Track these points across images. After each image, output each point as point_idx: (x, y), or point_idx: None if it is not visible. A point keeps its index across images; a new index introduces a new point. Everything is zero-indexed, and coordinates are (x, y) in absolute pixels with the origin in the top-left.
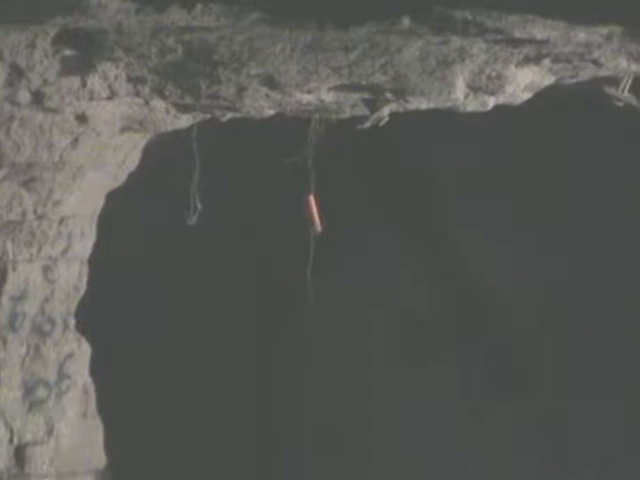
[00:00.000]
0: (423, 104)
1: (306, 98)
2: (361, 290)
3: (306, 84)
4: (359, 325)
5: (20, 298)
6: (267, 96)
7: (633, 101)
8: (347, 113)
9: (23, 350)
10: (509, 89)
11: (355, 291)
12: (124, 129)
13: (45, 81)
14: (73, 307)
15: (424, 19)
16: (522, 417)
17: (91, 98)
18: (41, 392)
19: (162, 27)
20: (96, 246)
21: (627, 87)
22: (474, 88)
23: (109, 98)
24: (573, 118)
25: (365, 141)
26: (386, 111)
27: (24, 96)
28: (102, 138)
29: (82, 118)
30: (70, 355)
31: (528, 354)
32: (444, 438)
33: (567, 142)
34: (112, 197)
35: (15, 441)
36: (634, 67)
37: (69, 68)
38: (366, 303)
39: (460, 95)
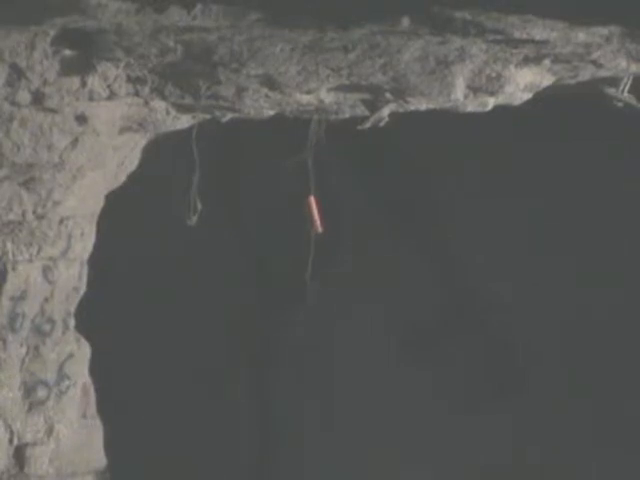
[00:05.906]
0: (423, 104)
1: (306, 98)
2: (361, 291)
3: (306, 84)
4: (359, 326)
5: (20, 298)
6: (267, 96)
7: (633, 101)
8: (347, 113)
9: (23, 350)
10: (509, 89)
11: (355, 291)
12: (124, 129)
13: (45, 81)
14: (73, 307)
15: (424, 19)
16: (522, 416)
17: (91, 98)
18: (41, 392)
19: (162, 27)
20: (96, 246)
21: (627, 87)
22: (474, 88)
23: (109, 98)
24: (573, 118)
25: (365, 142)
26: (386, 111)
27: (24, 96)
28: (102, 138)
29: (82, 118)
30: (70, 355)
31: (527, 354)
32: (442, 437)
33: (567, 143)
34: (112, 197)
35: (15, 441)
36: (634, 67)
37: (69, 68)
38: (366, 304)
39: (460, 95)
